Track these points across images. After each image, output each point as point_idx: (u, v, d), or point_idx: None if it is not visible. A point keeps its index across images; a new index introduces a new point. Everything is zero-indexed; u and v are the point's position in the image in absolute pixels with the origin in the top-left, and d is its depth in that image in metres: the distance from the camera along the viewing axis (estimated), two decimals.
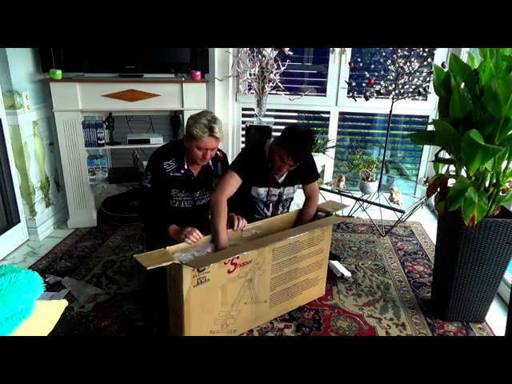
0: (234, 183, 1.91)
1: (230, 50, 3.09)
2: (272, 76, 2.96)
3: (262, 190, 2.06)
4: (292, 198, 2.24)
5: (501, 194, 1.79)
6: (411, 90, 2.87)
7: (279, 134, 1.96)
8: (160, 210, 2.01)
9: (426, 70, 2.91)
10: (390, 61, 2.86)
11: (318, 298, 2.13)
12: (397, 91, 2.85)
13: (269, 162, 1.98)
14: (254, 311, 1.87)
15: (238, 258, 1.68)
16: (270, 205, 2.12)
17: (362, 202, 3.06)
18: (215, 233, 1.79)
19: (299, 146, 1.84)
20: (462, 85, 1.73)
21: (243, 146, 3.42)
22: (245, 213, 2.01)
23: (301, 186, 2.17)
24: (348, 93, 3.22)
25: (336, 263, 2.36)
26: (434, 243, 2.41)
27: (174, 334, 1.76)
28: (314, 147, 2.01)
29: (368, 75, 2.98)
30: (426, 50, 2.80)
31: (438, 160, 1.96)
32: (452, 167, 2.00)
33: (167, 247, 1.67)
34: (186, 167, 2.03)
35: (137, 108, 2.79)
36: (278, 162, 1.90)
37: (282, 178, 2.05)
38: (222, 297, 1.72)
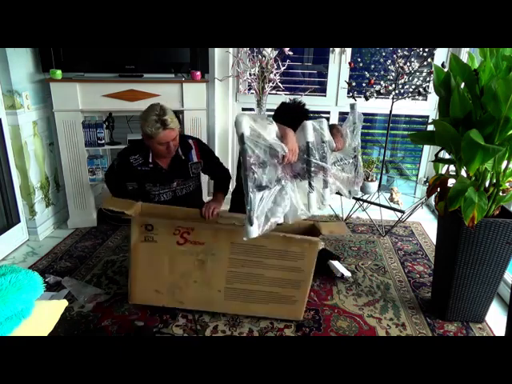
0: None
1: (230, 50, 3.09)
2: (272, 76, 2.96)
3: None
4: None
5: (501, 193, 1.79)
6: (411, 89, 2.87)
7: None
8: (120, 190, 2.08)
9: (425, 70, 2.91)
10: (390, 61, 2.86)
11: (294, 319, 1.94)
12: (397, 91, 2.85)
13: None
14: (205, 295, 1.89)
15: (189, 234, 1.74)
16: None
17: (361, 202, 3.06)
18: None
19: (296, 118, 1.83)
20: (462, 85, 1.73)
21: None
22: None
23: None
24: (348, 93, 3.22)
25: (336, 263, 2.36)
26: (434, 243, 2.41)
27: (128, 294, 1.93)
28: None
29: (368, 75, 2.98)
30: (426, 50, 2.80)
31: (437, 160, 1.96)
32: (452, 167, 2.00)
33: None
34: (150, 161, 2.05)
35: (137, 108, 2.78)
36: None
37: None
38: (170, 265, 1.83)
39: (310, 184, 1.66)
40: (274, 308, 1.93)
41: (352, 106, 1.91)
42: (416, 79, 2.86)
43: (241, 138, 1.43)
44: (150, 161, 2.05)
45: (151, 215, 1.90)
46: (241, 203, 1.93)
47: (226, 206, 3.30)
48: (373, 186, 2.97)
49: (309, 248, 1.79)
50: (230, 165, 3.58)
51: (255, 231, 1.49)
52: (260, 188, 1.48)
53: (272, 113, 3.32)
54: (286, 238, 1.76)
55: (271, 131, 1.52)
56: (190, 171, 2.13)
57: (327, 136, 1.73)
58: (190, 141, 2.14)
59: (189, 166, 2.13)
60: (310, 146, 1.64)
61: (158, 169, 2.07)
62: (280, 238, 1.77)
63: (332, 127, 1.92)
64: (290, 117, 1.89)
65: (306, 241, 1.78)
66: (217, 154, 3.40)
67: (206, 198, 3.12)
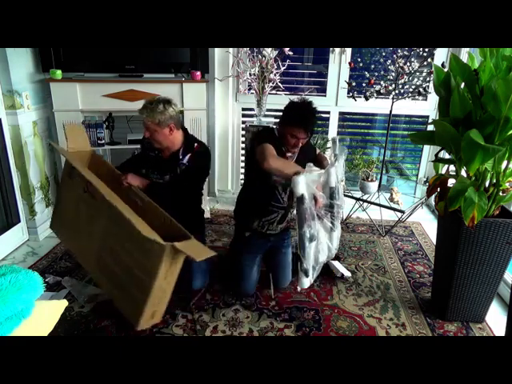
0: (273, 150, 1.85)
1: (230, 50, 3.09)
2: (272, 76, 2.96)
3: None
4: None
5: (501, 194, 1.79)
6: (411, 89, 2.87)
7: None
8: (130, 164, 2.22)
9: (425, 70, 2.91)
10: (390, 61, 2.86)
11: (152, 324, 1.76)
12: (397, 91, 2.85)
13: (282, 145, 1.99)
14: (88, 252, 1.87)
15: (89, 186, 1.86)
16: (288, 189, 2.08)
17: (361, 202, 3.07)
18: (298, 171, 1.71)
19: (304, 116, 1.88)
20: (462, 85, 1.73)
21: (243, 145, 3.42)
22: (263, 202, 2.07)
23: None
24: (348, 93, 3.22)
25: (336, 263, 2.36)
26: (434, 243, 2.41)
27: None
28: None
29: (368, 75, 2.98)
30: (426, 50, 2.80)
31: (437, 160, 1.96)
32: (452, 167, 2.00)
33: None
34: (155, 147, 2.10)
35: (137, 108, 2.75)
36: (291, 139, 1.92)
37: (293, 160, 2.07)
38: (75, 207, 1.98)
39: (332, 223, 1.82)
40: (123, 300, 1.74)
41: (333, 140, 1.99)
42: (416, 79, 2.86)
43: (301, 198, 1.55)
44: (155, 148, 2.10)
45: (93, 164, 2.11)
46: (247, 205, 1.95)
47: (228, 206, 3.32)
48: (373, 185, 2.97)
49: (156, 250, 1.53)
50: (230, 165, 3.59)
51: (308, 281, 1.66)
52: (311, 240, 1.62)
53: (272, 113, 3.36)
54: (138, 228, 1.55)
55: (313, 176, 1.65)
56: (177, 169, 2.10)
57: (341, 175, 1.89)
58: (196, 144, 2.13)
59: (179, 164, 2.09)
60: (334, 190, 1.81)
61: (159, 156, 2.12)
62: (139, 222, 1.62)
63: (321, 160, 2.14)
64: (299, 116, 1.90)
65: (152, 241, 1.52)
66: (217, 154, 3.44)
67: (206, 197, 3.12)
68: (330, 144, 3.35)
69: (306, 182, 1.55)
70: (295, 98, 2.02)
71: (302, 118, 1.88)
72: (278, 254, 2.21)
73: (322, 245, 1.73)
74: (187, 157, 2.09)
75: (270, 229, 2.13)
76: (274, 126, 2.09)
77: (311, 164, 2.22)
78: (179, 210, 1.99)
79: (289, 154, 2.03)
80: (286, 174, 1.76)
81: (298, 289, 1.75)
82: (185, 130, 2.15)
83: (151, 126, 1.96)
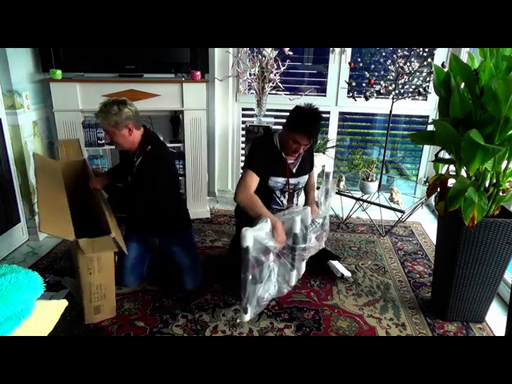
0: (253, 181, 1.96)
1: (230, 50, 3.09)
2: (272, 76, 2.96)
3: (280, 180, 2.07)
4: (304, 185, 2.27)
5: (501, 194, 1.79)
6: (411, 90, 2.87)
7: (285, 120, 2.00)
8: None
9: (425, 70, 2.91)
10: (390, 61, 2.86)
11: (104, 319, 1.90)
12: (397, 91, 2.85)
13: (282, 150, 2.00)
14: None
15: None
16: (287, 193, 2.12)
17: (361, 202, 3.07)
18: (261, 215, 1.86)
19: (309, 123, 1.88)
20: (462, 85, 1.73)
21: (243, 145, 3.42)
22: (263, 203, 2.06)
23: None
24: (348, 93, 3.22)
25: (336, 263, 2.36)
26: (434, 243, 2.41)
27: None
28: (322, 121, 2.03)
29: (368, 75, 2.98)
30: (426, 50, 2.80)
31: (437, 160, 1.96)
32: (452, 167, 2.00)
33: None
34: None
35: (137, 108, 2.79)
36: (293, 145, 1.92)
37: (295, 167, 2.09)
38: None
39: (292, 264, 1.99)
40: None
41: (327, 175, 2.07)
42: (416, 79, 2.86)
43: (246, 249, 1.65)
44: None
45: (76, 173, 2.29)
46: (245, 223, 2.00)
47: (228, 206, 3.31)
48: (373, 185, 2.97)
49: (75, 246, 1.70)
50: (230, 165, 3.59)
51: (248, 317, 1.83)
52: (255, 283, 1.76)
53: (272, 113, 3.36)
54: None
55: (266, 228, 1.76)
56: (133, 170, 2.09)
57: (309, 222, 2.07)
58: (149, 147, 2.02)
59: (134, 166, 2.07)
60: (298, 235, 1.97)
61: (130, 159, 2.10)
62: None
63: (311, 201, 2.24)
64: (304, 122, 1.90)
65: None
66: (217, 153, 3.44)
67: (206, 197, 3.12)
68: (330, 144, 3.35)
69: (253, 237, 1.67)
70: (302, 102, 2.03)
71: (307, 124, 1.87)
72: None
73: (271, 282, 1.85)
74: (140, 159, 2.04)
75: None
76: (275, 131, 2.09)
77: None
78: (142, 213, 2.09)
79: (290, 161, 2.04)
80: (250, 214, 1.89)
81: (238, 321, 1.89)
82: (146, 130, 2.09)
83: (109, 128, 1.94)
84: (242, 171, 2.04)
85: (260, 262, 1.74)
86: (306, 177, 2.22)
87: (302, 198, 2.31)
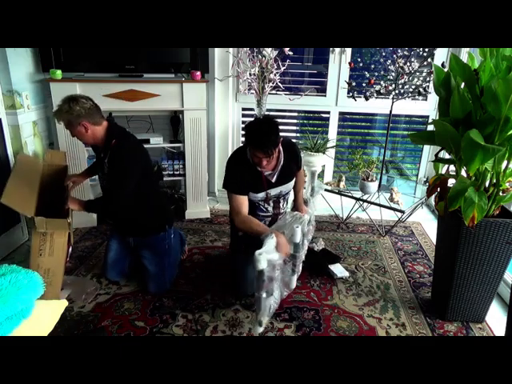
0: (241, 203, 1.97)
1: (230, 50, 3.09)
2: (272, 76, 2.96)
3: (259, 195, 2.04)
4: (290, 191, 2.22)
5: (501, 194, 1.79)
6: (411, 90, 2.87)
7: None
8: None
9: (426, 70, 2.91)
10: (390, 61, 2.86)
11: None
12: (397, 91, 2.85)
13: (254, 164, 1.95)
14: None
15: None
16: (270, 201, 2.10)
17: (362, 202, 3.06)
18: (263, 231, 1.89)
19: (261, 138, 1.80)
20: (462, 85, 1.73)
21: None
22: (249, 213, 2.03)
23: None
24: (348, 93, 3.22)
25: (334, 267, 2.36)
26: (434, 243, 2.41)
27: None
28: (279, 131, 1.91)
29: (368, 75, 2.98)
30: (426, 50, 2.80)
31: (438, 160, 1.96)
32: (452, 167, 2.00)
33: None
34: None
35: (137, 108, 2.79)
36: (255, 159, 1.88)
37: (275, 177, 2.01)
38: None
39: (293, 270, 2.04)
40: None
41: (313, 174, 2.08)
42: (416, 79, 2.86)
43: (261, 272, 1.69)
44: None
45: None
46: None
47: (228, 206, 3.31)
48: (373, 185, 2.97)
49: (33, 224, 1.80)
50: None
51: (262, 329, 1.86)
52: (268, 296, 1.79)
53: (272, 113, 3.36)
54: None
55: (272, 243, 1.78)
56: (104, 168, 2.07)
57: (305, 230, 2.12)
58: (114, 141, 1.98)
59: (104, 162, 2.05)
60: (299, 244, 2.00)
61: (98, 155, 2.10)
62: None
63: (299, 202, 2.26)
64: (255, 136, 1.82)
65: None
66: (217, 154, 3.44)
67: (206, 197, 3.13)
68: (330, 144, 3.35)
69: (266, 258, 1.69)
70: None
71: (259, 139, 1.80)
72: None
73: (277, 290, 1.89)
74: (108, 156, 2.01)
75: None
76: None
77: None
78: (121, 211, 2.07)
79: (266, 173, 1.99)
80: (254, 234, 1.91)
81: (253, 332, 1.89)
82: (110, 124, 2.02)
83: (66, 126, 1.92)
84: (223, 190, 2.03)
85: (272, 278, 1.78)
86: (291, 183, 2.13)
87: (291, 199, 2.27)
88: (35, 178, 2.06)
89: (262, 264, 1.67)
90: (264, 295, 1.74)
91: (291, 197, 2.27)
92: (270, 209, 2.10)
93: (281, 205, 2.14)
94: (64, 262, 1.91)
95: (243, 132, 3.36)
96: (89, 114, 1.89)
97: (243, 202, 1.97)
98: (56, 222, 1.80)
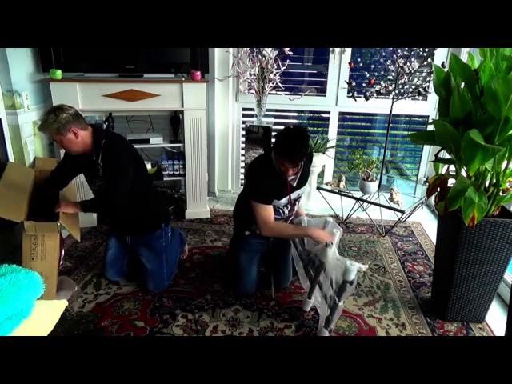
0: (269, 212, 1.95)
1: (230, 50, 3.09)
2: (272, 76, 2.96)
3: (283, 200, 2.04)
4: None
5: (501, 194, 1.79)
6: (411, 90, 2.87)
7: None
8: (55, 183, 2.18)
9: (426, 70, 2.91)
10: (390, 61, 2.86)
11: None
12: (397, 91, 2.85)
13: (280, 171, 1.96)
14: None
15: None
16: (289, 205, 2.10)
17: (361, 202, 3.06)
18: (306, 235, 1.95)
19: (293, 149, 1.82)
20: (462, 85, 1.73)
21: (243, 145, 3.41)
22: None
23: None
24: (348, 93, 3.22)
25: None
26: (434, 243, 2.41)
27: None
28: (309, 143, 1.93)
29: (368, 75, 2.98)
30: (426, 50, 2.80)
31: (438, 160, 1.96)
32: (452, 167, 2.00)
33: None
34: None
35: (137, 108, 2.79)
36: (282, 168, 1.90)
37: (296, 181, 2.03)
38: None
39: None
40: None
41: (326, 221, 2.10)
42: (416, 79, 2.86)
43: (351, 282, 1.69)
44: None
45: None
46: (246, 214, 2.03)
47: (228, 206, 3.31)
48: (373, 185, 2.97)
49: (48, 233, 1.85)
50: (230, 165, 3.59)
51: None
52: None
53: (272, 113, 3.36)
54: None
55: (337, 238, 1.89)
56: (99, 171, 2.05)
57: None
58: (104, 141, 1.99)
59: (97, 165, 2.03)
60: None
61: (78, 161, 2.08)
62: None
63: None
64: (289, 147, 1.83)
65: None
66: (217, 153, 3.44)
67: (206, 197, 3.12)
68: (330, 144, 3.35)
69: (356, 268, 1.69)
70: (292, 124, 1.97)
71: (291, 150, 1.81)
72: (278, 253, 2.21)
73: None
74: (100, 156, 2.01)
75: None
76: (271, 149, 1.99)
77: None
78: (122, 210, 2.06)
79: (290, 178, 2.00)
80: (286, 237, 2.00)
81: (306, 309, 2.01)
82: (94, 128, 2.02)
83: (55, 137, 1.90)
84: (251, 202, 1.97)
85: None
86: (307, 185, 2.16)
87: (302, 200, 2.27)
88: (26, 184, 2.09)
89: (353, 274, 1.67)
90: (342, 303, 1.74)
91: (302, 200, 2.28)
92: (287, 211, 2.11)
93: (295, 207, 2.16)
94: (57, 265, 1.91)
95: (243, 132, 3.36)
96: (76, 119, 1.90)
97: (271, 210, 1.97)
98: (45, 225, 1.82)
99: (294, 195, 2.07)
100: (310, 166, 2.21)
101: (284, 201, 2.04)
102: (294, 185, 2.03)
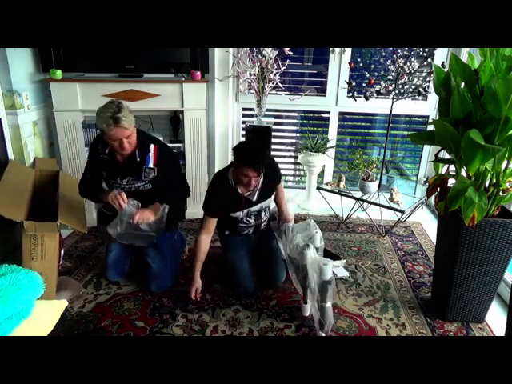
0: (210, 222, 2.08)
1: (230, 50, 3.09)
2: (272, 76, 2.96)
3: (239, 213, 2.12)
4: (271, 202, 2.28)
5: (501, 194, 1.79)
6: (411, 90, 2.87)
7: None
8: (94, 182, 2.14)
9: (426, 70, 2.91)
10: (390, 61, 2.86)
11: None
12: (397, 91, 2.85)
13: (237, 186, 2.02)
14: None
15: None
16: (252, 215, 2.17)
17: (361, 202, 3.06)
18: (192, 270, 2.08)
19: (252, 156, 1.87)
20: (462, 85, 1.73)
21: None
22: (230, 225, 2.19)
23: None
24: (348, 93, 3.22)
25: (334, 267, 2.36)
26: (434, 243, 2.41)
27: None
28: (276, 165, 2.16)
29: (368, 75, 2.98)
30: (426, 50, 2.80)
31: (438, 160, 1.96)
32: (452, 167, 2.00)
33: None
34: (107, 152, 2.07)
35: (137, 108, 2.78)
36: (244, 179, 1.93)
37: (256, 196, 2.08)
38: None
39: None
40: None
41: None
42: (416, 79, 2.86)
43: (329, 282, 1.71)
44: (107, 152, 2.07)
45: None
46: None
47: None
48: (373, 185, 2.97)
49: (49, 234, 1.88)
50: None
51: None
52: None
53: (272, 112, 3.36)
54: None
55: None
56: (142, 173, 2.08)
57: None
58: (152, 145, 2.08)
59: (143, 168, 2.07)
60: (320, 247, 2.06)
61: (113, 160, 2.08)
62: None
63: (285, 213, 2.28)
64: (248, 155, 1.89)
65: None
66: (217, 154, 3.44)
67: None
68: (330, 144, 3.35)
69: (331, 267, 1.74)
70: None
71: (250, 157, 1.87)
72: (265, 249, 2.27)
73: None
74: (150, 159, 2.06)
75: (246, 233, 2.23)
76: (229, 168, 2.06)
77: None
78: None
79: (247, 194, 2.05)
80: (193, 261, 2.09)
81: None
82: (137, 129, 2.06)
83: (126, 133, 1.90)
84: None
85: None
86: (271, 197, 2.20)
87: (272, 204, 2.29)
88: (26, 185, 2.11)
89: (329, 273, 1.69)
90: (329, 304, 1.74)
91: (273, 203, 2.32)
92: (252, 220, 2.19)
93: (262, 215, 2.22)
94: (57, 265, 1.92)
95: (243, 132, 3.36)
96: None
97: (212, 223, 2.09)
98: (45, 225, 1.83)
99: (254, 208, 2.13)
100: (280, 179, 2.22)
101: (241, 215, 2.12)
102: (254, 199, 2.09)
